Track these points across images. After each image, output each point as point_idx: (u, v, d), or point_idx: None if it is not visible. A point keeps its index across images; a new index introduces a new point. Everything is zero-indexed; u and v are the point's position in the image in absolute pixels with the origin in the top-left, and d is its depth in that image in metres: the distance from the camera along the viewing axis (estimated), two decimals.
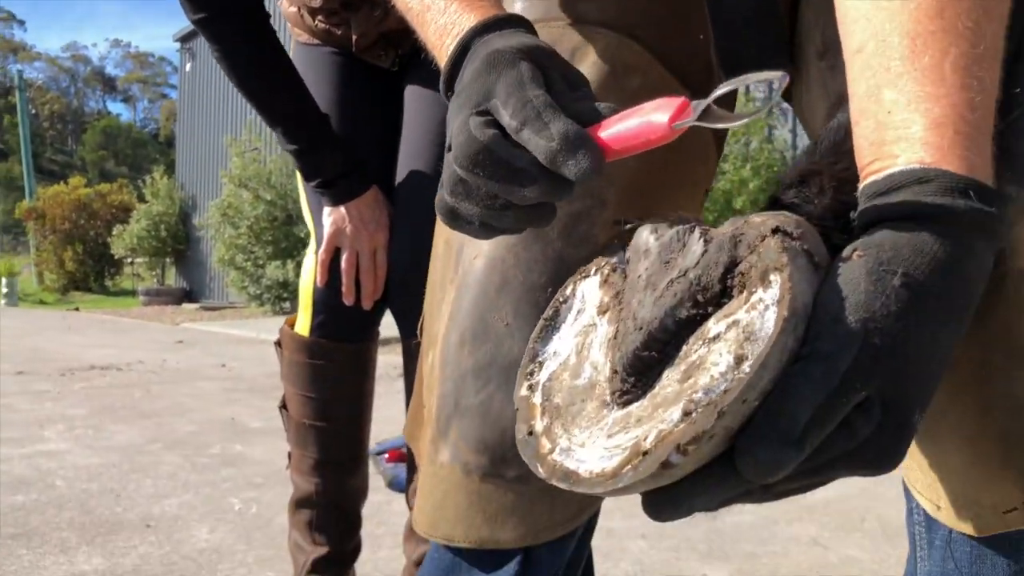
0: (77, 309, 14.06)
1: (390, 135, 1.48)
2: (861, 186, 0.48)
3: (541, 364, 0.54)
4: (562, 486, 0.45)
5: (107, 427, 3.35)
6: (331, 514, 1.47)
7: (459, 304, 0.80)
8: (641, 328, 0.46)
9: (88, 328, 9.17)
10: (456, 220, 0.58)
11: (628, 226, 0.53)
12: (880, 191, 0.47)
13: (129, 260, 17.98)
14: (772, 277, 0.43)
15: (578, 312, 0.54)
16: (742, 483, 0.42)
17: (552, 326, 0.55)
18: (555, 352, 0.54)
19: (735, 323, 0.43)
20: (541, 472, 0.47)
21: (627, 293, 0.50)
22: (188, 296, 15.16)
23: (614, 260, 0.54)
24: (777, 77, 0.48)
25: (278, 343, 1.51)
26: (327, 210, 1.42)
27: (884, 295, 0.42)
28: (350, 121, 1.46)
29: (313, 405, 1.45)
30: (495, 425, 0.77)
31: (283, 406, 1.51)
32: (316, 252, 1.44)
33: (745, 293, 0.44)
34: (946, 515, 0.58)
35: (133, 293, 17.05)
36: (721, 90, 0.48)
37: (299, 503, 1.49)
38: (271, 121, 1.38)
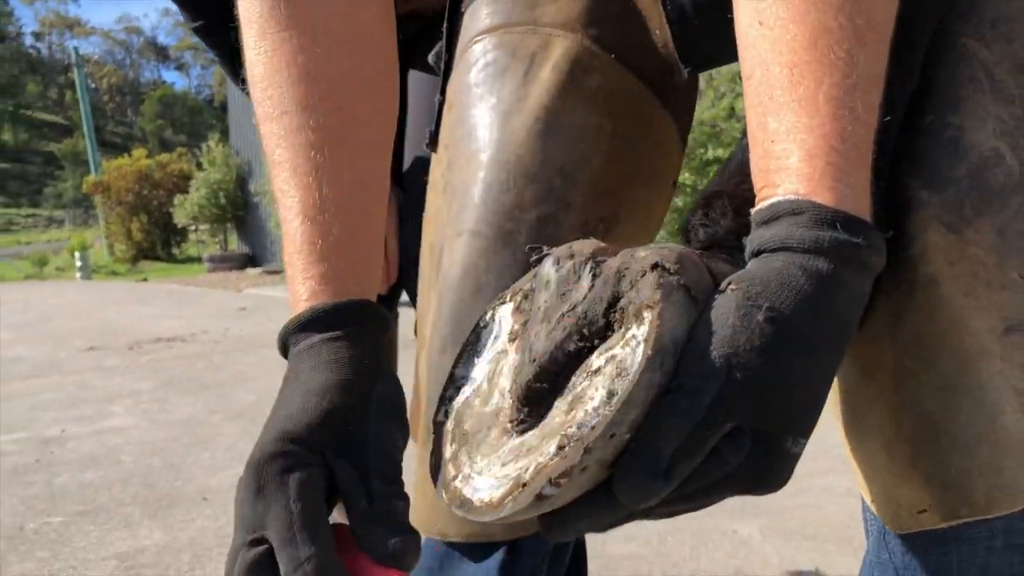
0: (146, 279, 14.54)
1: (397, 122, 1.50)
2: (752, 212, 0.50)
3: (458, 389, 0.56)
4: (459, 513, 0.49)
5: (171, 400, 3.51)
6: None
7: (440, 310, 0.84)
8: (534, 360, 0.49)
9: (156, 299, 9.49)
10: None
11: (534, 257, 0.55)
12: (763, 220, 0.49)
13: (193, 228, 18.44)
14: (644, 314, 0.45)
15: (495, 338, 0.56)
16: (622, 508, 0.45)
17: (473, 351, 0.57)
18: (472, 377, 0.56)
19: (612, 358, 0.46)
20: (445, 499, 0.50)
21: (529, 323, 0.52)
22: (251, 260, 15.52)
23: (527, 287, 0.56)
24: None
25: None
26: None
27: (749, 330, 0.44)
28: None
29: None
30: None
31: None
32: None
33: (623, 329, 0.46)
34: (876, 508, 0.60)
35: (199, 260, 17.52)
36: None
37: None
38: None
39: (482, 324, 0.58)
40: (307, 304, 0.58)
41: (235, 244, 17.44)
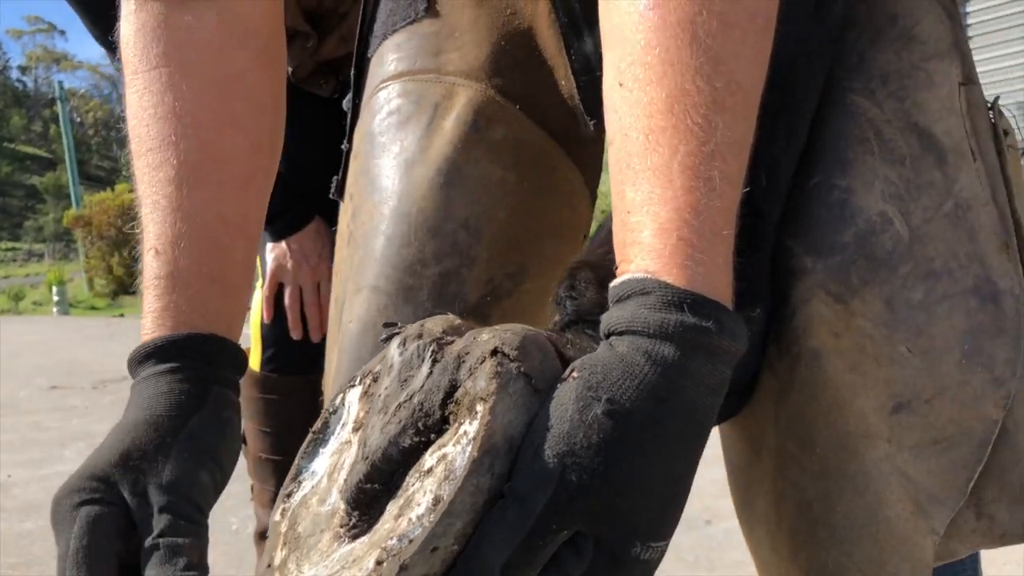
0: (122, 315, 14.38)
1: (333, 163, 1.47)
2: (610, 288, 0.46)
3: (300, 484, 0.50)
4: None
5: None
6: None
7: (339, 369, 0.79)
8: (367, 457, 0.43)
9: (130, 334, 9.34)
10: None
11: (384, 336, 0.50)
12: (615, 298, 0.44)
13: None
14: (478, 408, 0.40)
15: (342, 426, 0.51)
16: None
17: (320, 440, 0.51)
18: (313, 471, 0.50)
19: (443, 457, 0.41)
20: None
21: (370, 413, 0.47)
22: None
23: (377, 369, 0.50)
24: None
25: None
26: (269, 245, 1.41)
27: (586, 425, 0.40)
28: (292, 154, 1.45)
29: (269, 439, 1.45)
30: None
31: (243, 439, 1.52)
32: (262, 288, 1.44)
33: (456, 423, 0.41)
34: None
35: None
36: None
37: (262, 535, 1.49)
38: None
39: (331, 410, 0.52)
40: (148, 337, 0.57)
41: None
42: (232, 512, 2.39)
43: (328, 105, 1.48)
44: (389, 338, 0.51)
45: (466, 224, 0.79)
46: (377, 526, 0.43)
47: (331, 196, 0.91)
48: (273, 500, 1.47)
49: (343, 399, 0.52)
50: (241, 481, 2.69)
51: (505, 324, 0.47)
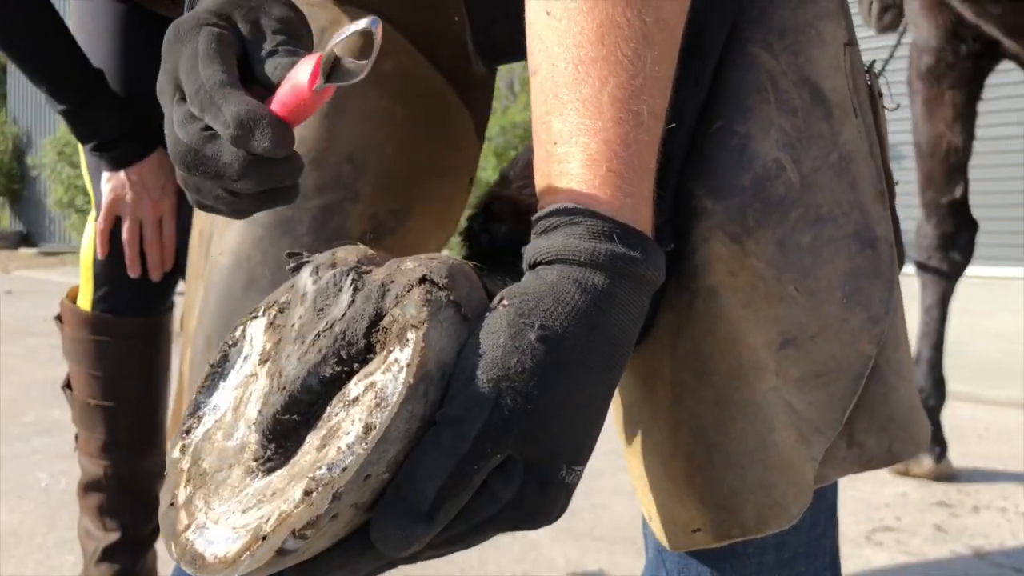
0: None
1: None
2: (533, 219, 0.46)
3: (200, 419, 0.48)
4: (190, 571, 0.41)
5: None
6: (124, 497, 1.39)
7: (206, 304, 0.75)
8: (284, 388, 0.42)
9: None
10: (203, 205, 0.52)
11: (292, 264, 0.48)
12: (541, 229, 0.45)
13: None
14: (409, 335, 0.40)
15: (244, 359, 0.48)
16: (381, 554, 0.40)
17: (219, 373, 0.49)
18: (215, 406, 0.48)
19: (371, 385, 0.40)
20: (174, 553, 0.42)
21: (282, 343, 0.45)
22: (26, 240, 14.15)
23: (283, 300, 0.48)
24: (368, 23, 0.42)
25: (59, 317, 1.40)
26: (106, 175, 1.30)
27: (519, 350, 0.40)
28: (131, 76, 1.33)
29: (99, 384, 1.35)
30: None
31: (67, 385, 1.41)
32: (96, 220, 1.33)
33: (385, 351, 0.40)
34: (654, 526, 0.58)
35: None
36: (338, 40, 0.43)
37: (88, 487, 1.40)
38: (34, 78, 1.25)
39: (231, 342, 0.49)
40: None
41: (7, 221, 15.83)
42: (39, 467, 2.22)
43: None
44: (297, 267, 0.49)
45: (351, 157, 0.76)
46: (296, 458, 0.41)
47: None
48: (103, 450, 1.37)
49: (244, 331, 0.50)
50: (48, 435, 2.51)
51: (427, 253, 0.46)
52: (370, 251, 0.48)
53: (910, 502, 1.93)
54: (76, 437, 1.42)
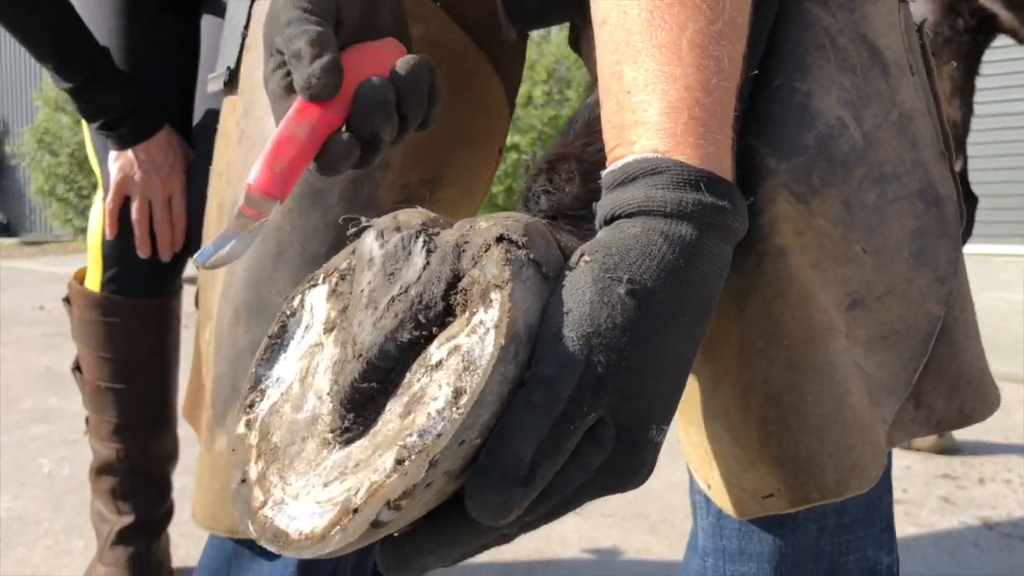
0: None
1: (187, 69, 1.34)
2: (604, 174, 0.45)
3: (263, 393, 0.46)
4: (272, 549, 0.39)
5: None
6: (136, 480, 1.38)
7: (232, 276, 0.73)
8: (360, 355, 0.40)
9: None
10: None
11: (353, 228, 0.47)
12: (616, 182, 0.43)
13: None
14: (493, 296, 0.38)
15: (306, 328, 0.47)
16: (477, 533, 0.39)
17: (278, 345, 0.48)
18: (279, 378, 0.46)
19: (456, 349, 0.38)
20: (252, 531, 0.41)
21: (351, 310, 0.43)
22: (6, 230, 13.97)
23: (344, 266, 0.47)
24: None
25: (67, 299, 1.38)
26: (113, 154, 1.28)
27: (609, 306, 0.38)
28: (138, 54, 1.31)
29: (109, 367, 1.33)
30: None
31: (76, 367, 1.39)
32: (104, 200, 1.31)
33: (467, 313, 0.39)
34: (715, 495, 0.57)
35: None
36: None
37: (100, 470, 1.38)
38: (38, 55, 1.22)
39: (289, 312, 0.48)
40: None
41: None
42: (41, 454, 2.20)
43: (183, 4, 1.35)
44: (357, 232, 0.48)
45: None
46: (377, 428, 0.40)
47: (216, 91, 0.83)
48: (114, 432, 1.36)
49: (302, 300, 0.49)
50: (47, 422, 2.49)
51: (500, 213, 0.45)
52: (432, 213, 0.47)
53: (915, 475, 1.95)
54: (87, 421, 1.40)
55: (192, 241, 1.32)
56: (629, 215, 0.42)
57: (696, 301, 0.41)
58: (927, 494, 1.84)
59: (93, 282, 1.33)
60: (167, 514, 1.45)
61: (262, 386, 0.47)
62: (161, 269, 1.33)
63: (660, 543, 1.65)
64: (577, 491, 0.40)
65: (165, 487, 1.43)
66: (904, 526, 1.67)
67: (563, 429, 0.38)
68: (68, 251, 9.92)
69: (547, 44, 5.37)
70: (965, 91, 2.23)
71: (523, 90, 5.65)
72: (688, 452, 0.62)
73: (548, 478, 0.38)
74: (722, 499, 0.56)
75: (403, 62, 0.55)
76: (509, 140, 5.42)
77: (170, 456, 1.44)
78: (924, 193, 0.55)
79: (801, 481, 0.52)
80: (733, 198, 0.43)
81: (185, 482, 1.85)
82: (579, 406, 0.38)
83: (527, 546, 1.63)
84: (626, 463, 0.40)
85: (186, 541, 1.64)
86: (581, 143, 0.54)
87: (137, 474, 1.38)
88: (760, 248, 0.53)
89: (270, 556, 0.73)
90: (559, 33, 5.44)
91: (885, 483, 0.60)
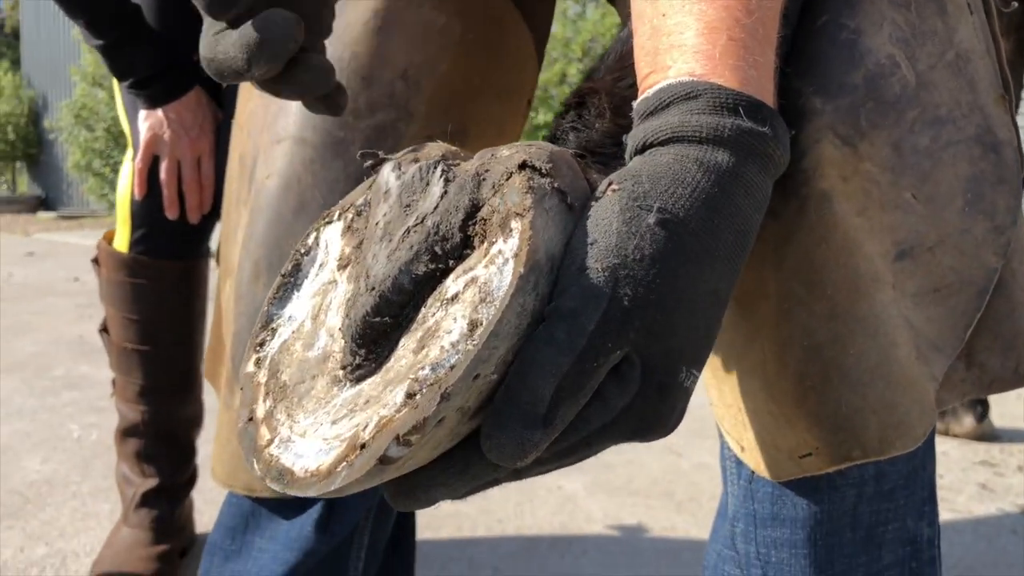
0: None
1: None
2: (635, 104, 0.42)
3: (274, 332, 0.45)
4: (276, 487, 0.37)
5: None
6: (161, 443, 1.37)
7: (253, 230, 0.71)
8: (373, 288, 0.38)
9: None
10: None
11: (370, 162, 0.45)
12: (649, 110, 0.40)
13: None
14: (513, 224, 0.36)
15: (320, 266, 0.45)
16: (488, 468, 0.36)
17: (291, 283, 0.46)
18: (291, 316, 0.45)
19: (473, 280, 0.36)
20: (257, 470, 0.39)
21: (365, 244, 0.41)
22: (44, 204, 14.18)
23: (360, 202, 0.45)
24: None
25: (96, 260, 1.37)
26: (143, 113, 1.27)
27: (637, 235, 0.36)
28: (170, 13, 1.30)
29: (136, 328, 1.33)
30: None
31: (104, 329, 1.39)
32: (133, 160, 1.30)
33: (486, 243, 0.37)
34: (748, 456, 0.54)
35: None
36: None
37: (126, 432, 1.38)
38: (70, 11, 1.21)
39: (302, 250, 0.46)
40: None
41: (25, 185, 15.87)
42: (71, 419, 2.22)
43: None
44: (375, 165, 0.46)
45: (404, 74, 0.72)
46: (389, 364, 0.38)
47: None
48: (140, 395, 1.35)
49: (316, 238, 0.47)
50: (77, 389, 2.51)
51: (521, 141, 0.42)
52: (453, 147, 0.44)
53: (952, 461, 1.90)
54: (113, 383, 1.40)
55: (219, 205, 1.31)
56: (662, 143, 0.39)
57: (732, 235, 0.38)
58: (965, 480, 1.79)
59: (121, 243, 1.32)
60: (191, 479, 1.45)
61: (273, 324, 0.45)
62: (189, 232, 1.32)
63: (686, 522, 1.63)
64: (598, 434, 0.37)
65: (189, 451, 1.43)
66: (941, 512, 1.62)
67: (585, 366, 0.35)
68: (103, 225, 10.05)
69: (583, 22, 5.31)
70: (1016, 65, 2.16)
71: (557, 68, 5.59)
72: (720, 413, 0.59)
73: (568, 419, 0.36)
74: (755, 460, 0.53)
75: None
76: (542, 118, 5.38)
77: (194, 421, 1.44)
78: (981, 138, 0.51)
79: (842, 439, 0.49)
80: (774, 124, 0.40)
81: (208, 450, 1.86)
82: (603, 342, 0.35)
83: (551, 521, 1.61)
84: (651, 407, 0.38)
85: (210, 508, 1.64)
86: (612, 77, 0.51)
87: (161, 437, 1.38)
88: (802, 193, 0.50)
89: (287, 515, 0.72)
90: (595, 11, 5.37)
91: (928, 450, 0.57)
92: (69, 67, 11.40)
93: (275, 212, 0.71)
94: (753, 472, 0.55)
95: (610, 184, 0.38)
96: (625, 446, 1.90)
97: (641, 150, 0.40)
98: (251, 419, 0.42)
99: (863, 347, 0.48)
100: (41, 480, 1.79)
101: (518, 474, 0.38)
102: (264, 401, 0.42)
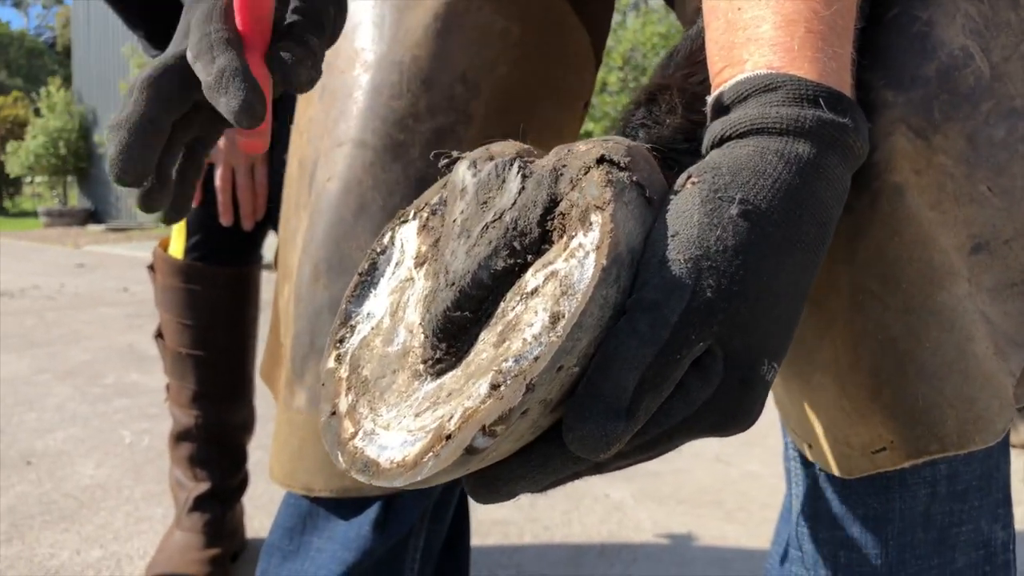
0: None
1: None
2: (710, 99, 0.42)
3: (353, 328, 0.46)
4: (362, 479, 0.38)
5: None
6: (213, 448, 1.39)
7: (312, 232, 0.72)
8: (453, 284, 0.39)
9: (13, 253, 8.69)
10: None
11: (445, 161, 0.46)
12: (727, 103, 0.40)
13: (28, 179, 17.07)
14: (593, 217, 0.36)
15: (396, 264, 0.46)
16: (569, 461, 0.36)
17: (368, 282, 0.47)
18: (369, 313, 0.46)
19: (553, 274, 0.36)
20: (341, 462, 0.40)
21: (443, 241, 0.42)
22: (93, 216, 14.52)
23: (434, 201, 0.46)
24: None
25: (151, 267, 1.40)
26: None
27: (719, 227, 0.36)
28: None
29: (190, 333, 1.35)
30: None
31: (159, 335, 1.41)
32: None
33: (565, 237, 0.37)
34: (816, 454, 0.53)
35: (34, 214, 16.26)
36: None
37: (179, 437, 1.40)
38: (130, 23, 1.24)
39: (379, 249, 0.48)
40: None
41: (76, 199, 16.26)
42: (123, 425, 2.26)
43: None
44: (449, 164, 0.46)
45: (464, 77, 0.73)
46: (470, 358, 0.38)
47: None
48: (193, 400, 1.37)
49: (392, 237, 0.48)
50: (128, 396, 2.55)
51: (596, 137, 0.42)
52: (524, 145, 0.45)
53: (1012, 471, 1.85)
54: (167, 388, 1.43)
55: (273, 213, 1.32)
56: (740, 135, 0.39)
57: (814, 226, 0.38)
58: (1021, 491, 1.74)
59: (177, 249, 1.35)
60: (242, 483, 1.47)
61: (352, 321, 0.46)
62: (242, 238, 1.34)
63: (736, 531, 1.61)
64: (679, 427, 0.37)
65: (240, 457, 1.45)
66: None
67: (669, 358, 0.35)
68: (151, 237, 10.25)
69: (623, 31, 5.30)
70: None
71: (598, 77, 5.58)
72: (785, 412, 0.58)
73: (651, 411, 0.35)
74: (824, 458, 0.53)
75: None
76: (583, 127, 5.36)
77: (245, 426, 1.46)
78: None
79: (918, 433, 0.48)
80: (854, 115, 0.39)
81: (260, 456, 1.88)
82: (686, 334, 0.35)
83: (599, 529, 1.60)
84: (734, 401, 0.37)
85: (260, 513, 1.65)
86: (682, 73, 0.51)
87: (213, 442, 1.39)
88: (875, 186, 0.49)
89: (345, 515, 0.72)
90: (635, 20, 5.37)
91: (1004, 451, 0.56)
92: (119, 82, 11.68)
93: (335, 214, 0.71)
94: (821, 470, 0.54)
95: (689, 177, 0.38)
96: (672, 454, 1.89)
97: (719, 143, 0.40)
98: (334, 413, 0.42)
99: (939, 341, 0.47)
100: (95, 484, 1.83)
101: (598, 467, 0.38)
102: (346, 396, 0.43)
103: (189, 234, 1.33)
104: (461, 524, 0.86)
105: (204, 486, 1.38)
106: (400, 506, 0.73)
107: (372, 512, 0.72)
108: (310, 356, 0.71)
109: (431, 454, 0.35)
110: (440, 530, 0.79)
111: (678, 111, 0.49)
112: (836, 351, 0.50)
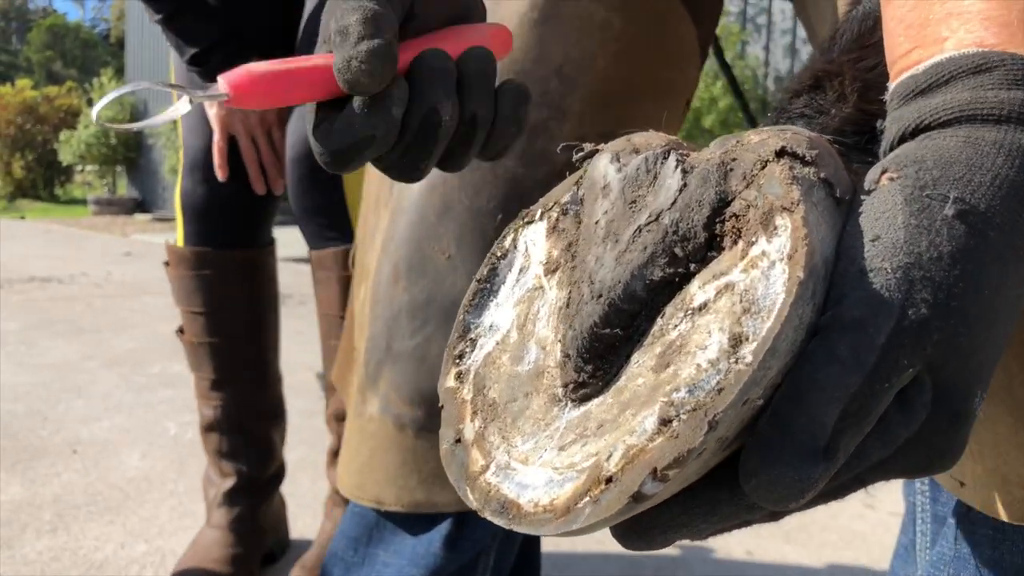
0: (23, 218, 13.61)
1: (278, 6, 1.33)
2: (892, 85, 0.36)
3: (474, 343, 0.40)
4: (499, 522, 0.33)
5: (41, 343, 3.19)
6: (237, 439, 1.37)
7: (393, 231, 0.68)
8: (600, 296, 0.34)
9: (32, 238, 8.84)
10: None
11: (580, 154, 0.40)
12: (920, 88, 0.34)
13: (79, 168, 17.42)
14: (779, 221, 0.31)
15: (520, 271, 0.41)
16: (742, 510, 0.31)
17: (488, 290, 0.42)
18: (492, 326, 0.41)
19: (728, 287, 0.31)
20: (471, 499, 0.34)
21: (582, 245, 0.37)
22: (140, 206, 14.75)
23: (566, 199, 0.41)
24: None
25: (167, 263, 1.39)
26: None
27: (932, 231, 0.30)
28: None
29: (202, 320, 1.33)
30: (433, 373, 0.65)
31: (180, 330, 1.39)
32: (181, 150, 1.33)
33: (741, 244, 0.32)
34: (970, 494, 0.47)
35: (84, 202, 16.57)
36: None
37: (206, 429, 1.38)
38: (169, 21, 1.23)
39: (499, 253, 0.42)
40: None
41: (124, 188, 16.54)
42: (167, 416, 2.25)
43: None
44: (584, 157, 0.40)
45: (560, 71, 0.68)
46: (621, 383, 0.33)
47: None
48: (211, 388, 1.34)
49: (514, 241, 0.42)
50: (172, 387, 2.54)
51: (772, 126, 0.36)
52: (671, 136, 0.39)
53: None
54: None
55: (287, 186, 1.30)
56: (944, 123, 0.33)
57: None
58: None
59: (179, 237, 1.35)
60: (273, 478, 1.43)
61: (472, 335, 0.41)
62: (245, 219, 1.33)
63: (796, 552, 1.54)
64: (873, 469, 0.32)
65: (268, 448, 1.42)
66: None
67: (874, 387, 0.29)
68: None
69: None
70: None
71: None
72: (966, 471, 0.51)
73: (850, 451, 0.30)
74: (983, 499, 0.46)
75: (476, 51, 0.47)
76: None
77: (271, 415, 1.42)
78: None
79: None
80: None
81: (303, 453, 1.85)
82: (895, 358, 0.29)
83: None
84: (942, 438, 0.31)
85: (304, 512, 1.62)
86: (850, 59, 0.44)
87: (236, 432, 1.37)
88: None
89: (415, 530, 0.68)
90: None
91: None
92: (168, 75, 11.86)
93: (418, 213, 0.67)
94: (969, 511, 0.48)
95: (884, 172, 0.33)
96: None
97: (913, 134, 0.34)
98: (459, 440, 0.37)
99: None
100: (140, 476, 1.81)
101: (774, 516, 0.32)
102: (472, 421, 0.38)
103: (185, 221, 1.32)
104: (532, 547, 0.81)
105: (230, 481, 1.36)
106: (472, 523, 0.69)
107: (443, 528, 0.67)
108: (385, 361, 0.67)
109: (587, 499, 0.30)
110: (511, 552, 0.74)
111: (849, 99, 0.42)
112: (1011, 376, 0.43)
